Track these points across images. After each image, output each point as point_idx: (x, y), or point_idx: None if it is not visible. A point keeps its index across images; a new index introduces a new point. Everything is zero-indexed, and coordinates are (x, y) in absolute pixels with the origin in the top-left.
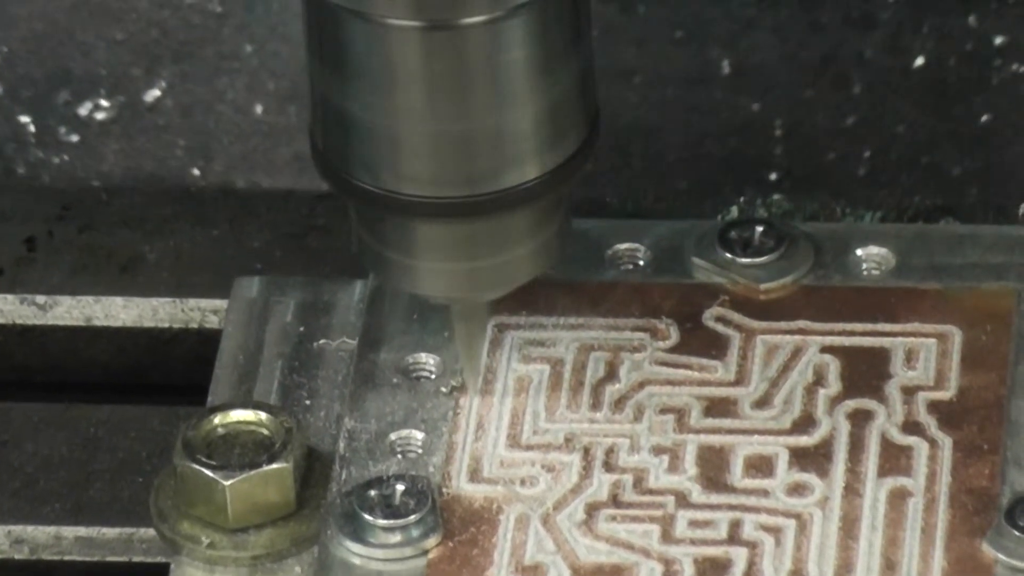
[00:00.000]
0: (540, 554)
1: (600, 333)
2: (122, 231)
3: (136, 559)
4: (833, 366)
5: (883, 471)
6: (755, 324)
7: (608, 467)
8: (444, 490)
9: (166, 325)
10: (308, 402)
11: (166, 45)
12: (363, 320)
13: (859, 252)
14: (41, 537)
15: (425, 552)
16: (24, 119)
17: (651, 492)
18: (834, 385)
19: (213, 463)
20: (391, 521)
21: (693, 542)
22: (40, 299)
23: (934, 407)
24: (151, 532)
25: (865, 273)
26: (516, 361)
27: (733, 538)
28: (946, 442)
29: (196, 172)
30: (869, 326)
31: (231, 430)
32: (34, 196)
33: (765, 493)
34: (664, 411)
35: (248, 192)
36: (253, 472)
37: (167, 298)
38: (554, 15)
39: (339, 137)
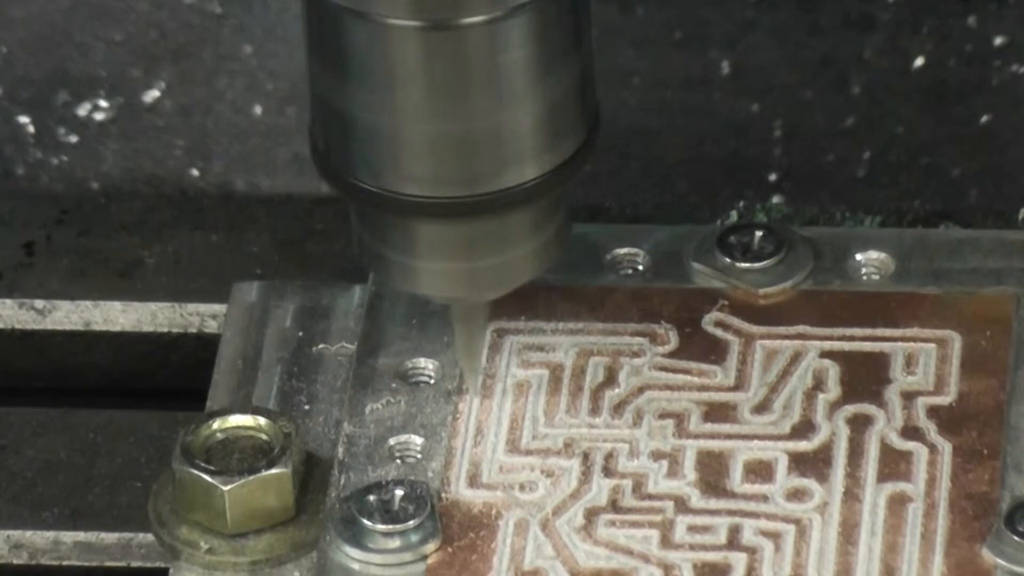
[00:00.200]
0: (539, 559)
1: (599, 338)
2: (121, 236)
3: (135, 564)
4: (832, 371)
5: (883, 476)
6: (754, 329)
7: (607, 472)
8: (443, 495)
9: (165, 330)
10: (307, 407)
11: (165, 46)
12: (362, 325)
13: (858, 257)
14: (40, 542)
15: (424, 557)
16: (23, 120)
17: (650, 497)
18: (833, 390)
19: (212, 468)
20: (390, 526)
21: (692, 547)
22: (39, 304)
23: (934, 412)
24: (150, 537)
25: (864, 278)
26: (515, 366)
27: (732, 543)
28: (946, 447)
29: (195, 173)
30: (868, 331)
31: (230, 435)
32: (33, 201)
33: (764, 498)
34: (663, 416)
35: (247, 197)
36: (252, 477)
37: (166, 303)
38: (554, 15)
39: (339, 137)
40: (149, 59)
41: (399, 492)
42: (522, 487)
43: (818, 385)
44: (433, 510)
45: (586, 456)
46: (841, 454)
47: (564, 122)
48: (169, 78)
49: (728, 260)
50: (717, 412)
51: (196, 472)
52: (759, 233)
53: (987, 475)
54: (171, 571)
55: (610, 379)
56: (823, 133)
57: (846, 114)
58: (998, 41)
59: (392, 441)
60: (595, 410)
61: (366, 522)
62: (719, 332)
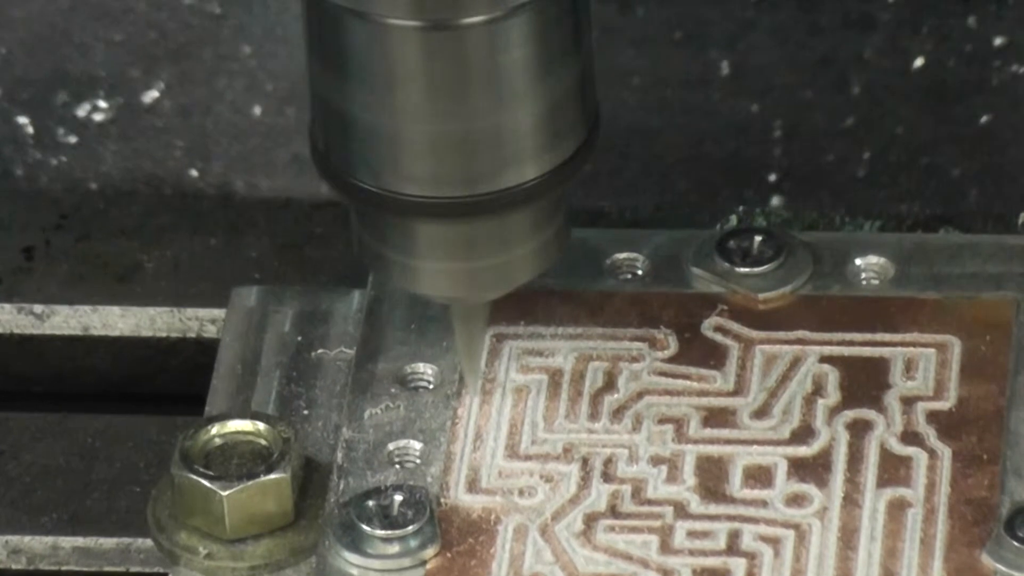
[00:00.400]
0: (538, 565)
1: (599, 343)
2: (120, 240)
3: (134, 569)
4: (832, 376)
5: (882, 481)
6: (754, 334)
7: (607, 477)
8: (442, 500)
9: (164, 335)
10: (306, 412)
11: (164, 46)
12: (361, 330)
13: (858, 262)
14: (39, 547)
15: (423, 563)
16: (22, 120)
17: (650, 502)
18: (833, 395)
19: (211, 473)
20: (389, 532)
21: (692, 553)
22: (38, 308)
23: (933, 417)
24: (149, 542)
25: (864, 283)
26: (514, 371)
27: (732, 548)
28: (945, 452)
29: (194, 173)
30: (868, 336)
31: (229, 440)
32: (32, 205)
33: (764, 503)
34: (663, 421)
35: (246, 200)
36: (251, 482)
37: (165, 307)
38: (554, 15)
39: (339, 137)
40: (148, 59)
41: (398, 497)
42: (521, 492)
43: (818, 390)
44: (432, 515)
45: (585, 461)
46: (841, 459)
47: (564, 122)
48: (168, 78)
49: (727, 265)
50: (716, 417)
51: (195, 477)
52: (758, 238)
53: (987, 480)
54: None
55: (609, 384)
56: (823, 133)
57: (846, 114)
58: (998, 41)
59: (391, 446)
60: (594, 415)
61: (365, 527)
62: (718, 337)
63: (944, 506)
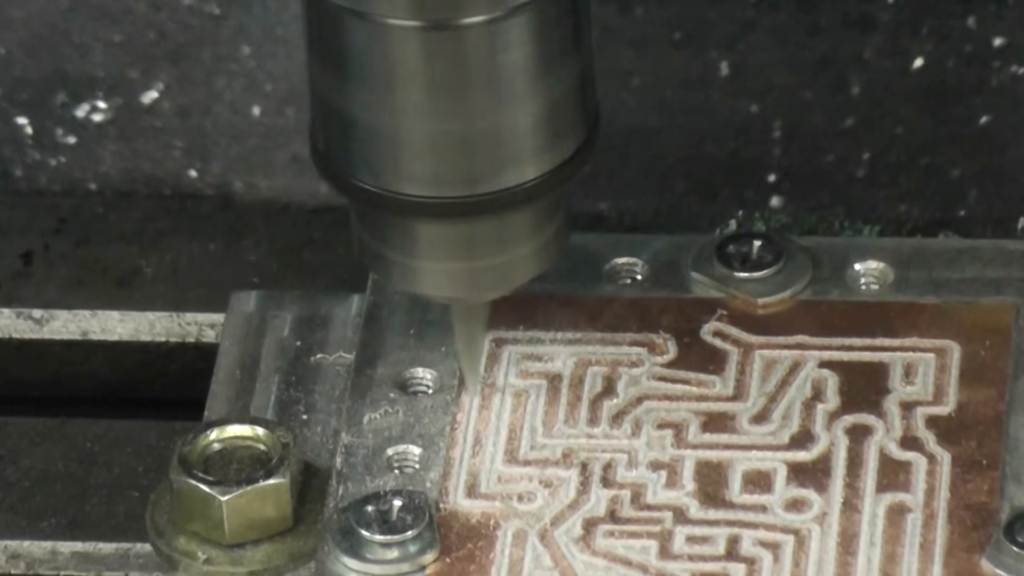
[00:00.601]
0: (537, 570)
1: (598, 348)
2: (119, 245)
3: (133, 574)
4: (831, 381)
5: (881, 487)
6: (753, 339)
7: (606, 482)
8: (441, 506)
9: (163, 339)
10: (305, 417)
11: (164, 47)
12: (360, 335)
13: (857, 267)
14: (37, 552)
15: (422, 568)
16: (21, 121)
17: (649, 508)
18: (832, 400)
19: (210, 478)
20: (388, 537)
21: (691, 558)
22: (36, 313)
23: (933, 422)
24: (148, 547)
25: (863, 288)
26: (514, 376)
27: (731, 554)
28: (945, 457)
29: (193, 174)
30: (867, 341)
31: (228, 445)
32: (30, 210)
33: (763, 509)
34: (662, 426)
35: (245, 206)
36: (250, 488)
37: (164, 312)
38: (554, 15)
39: (339, 137)
40: (148, 60)
41: (397, 502)
42: (520, 497)
43: (817, 395)
44: (431, 520)
45: (584, 466)
46: (840, 464)
47: (564, 122)
48: (168, 79)
49: (727, 270)
50: (716, 422)
51: (194, 482)
52: (758, 243)
53: (986, 485)
54: None
55: (608, 389)
56: (823, 134)
57: (846, 115)
58: (997, 42)
59: (390, 451)
60: (593, 420)
61: (364, 532)
62: (718, 342)
63: (944, 511)
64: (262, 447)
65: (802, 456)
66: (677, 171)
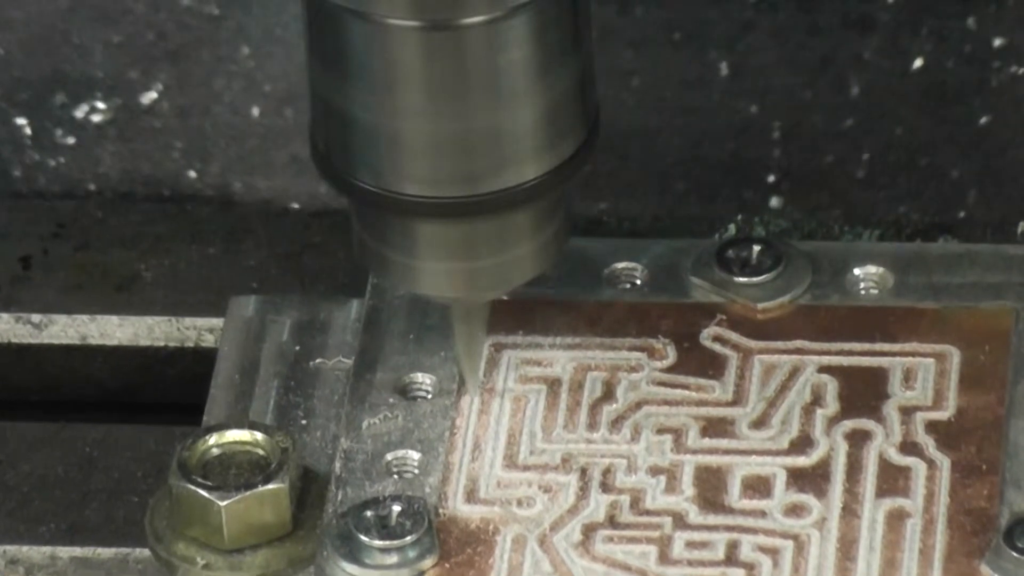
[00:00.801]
0: (537, 575)
1: (597, 353)
2: (117, 249)
3: None
4: (831, 386)
5: (881, 492)
6: (752, 344)
7: (605, 488)
8: (440, 511)
9: (162, 344)
10: (304, 422)
11: (163, 47)
12: (359, 339)
13: (857, 271)
14: (36, 557)
15: (421, 573)
16: (20, 121)
17: (648, 513)
18: (832, 405)
19: (209, 484)
20: (387, 542)
21: (690, 563)
22: (35, 318)
23: (932, 427)
24: (147, 553)
25: (863, 292)
26: (513, 380)
27: (731, 559)
28: (944, 462)
29: (192, 174)
30: (867, 346)
31: (227, 450)
32: (29, 214)
33: (763, 514)
34: (661, 431)
35: (244, 210)
36: (249, 493)
37: (163, 317)
38: (554, 15)
39: (339, 137)
40: (147, 60)
41: (396, 508)
42: (520, 503)
43: (816, 400)
44: (430, 526)
45: (584, 471)
46: (839, 469)
47: (564, 122)
48: (167, 79)
49: (726, 274)
50: (715, 427)
51: (193, 487)
52: (757, 247)
53: (986, 490)
54: None
55: (608, 394)
56: (822, 134)
57: (845, 115)
58: (997, 42)
59: (389, 456)
60: (593, 425)
61: (363, 538)
62: (717, 347)
63: (943, 516)
64: (261, 452)
65: (801, 461)
66: (676, 171)
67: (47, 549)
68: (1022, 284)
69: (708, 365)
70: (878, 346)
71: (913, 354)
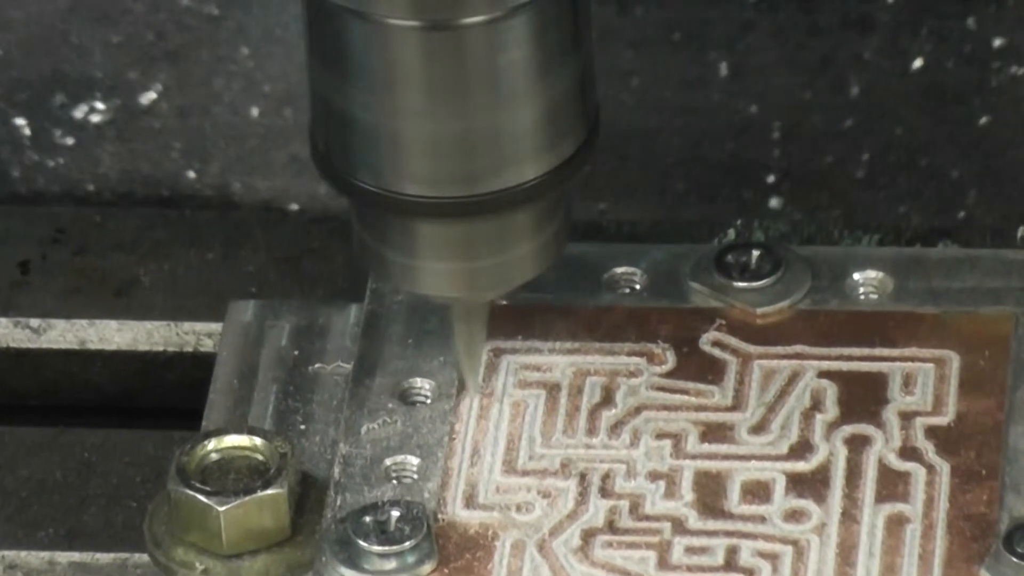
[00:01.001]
0: None
1: (596, 358)
2: (116, 254)
3: None
4: (830, 391)
5: (880, 497)
6: (752, 349)
7: (604, 493)
8: (439, 516)
9: (160, 349)
10: (303, 427)
11: (162, 48)
12: (358, 344)
13: (856, 276)
14: (35, 562)
15: None
16: (19, 122)
17: (647, 518)
18: (831, 410)
19: (207, 489)
20: (386, 547)
21: (690, 568)
22: (34, 322)
23: (932, 432)
24: (145, 558)
25: (862, 297)
26: (512, 386)
27: (730, 564)
28: (944, 468)
29: (192, 175)
30: (866, 351)
31: (225, 455)
32: (28, 219)
33: (762, 519)
34: (661, 436)
35: (243, 214)
36: (248, 498)
37: (161, 321)
38: (554, 15)
39: (339, 137)
40: (146, 61)
41: (395, 513)
42: (519, 508)
43: (816, 405)
44: (429, 531)
45: (583, 477)
46: (839, 475)
47: (564, 122)
48: (166, 80)
49: (726, 279)
50: (715, 432)
51: (191, 493)
52: (756, 252)
53: (985, 496)
54: None
55: (607, 399)
56: (822, 134)
57: (845, 115)
58: (997, 43)
59: (388, 461)
60: (592, 430)
61: (362, 543)
62: (716, 352)
63: (943, 522)
64: (260, 457)
65: (801, 466)
66: (676, 172)
67: (45, 554)
68: (1022, 289)
69: (707, 370)
70: (878, 351)
71: (913, 359)
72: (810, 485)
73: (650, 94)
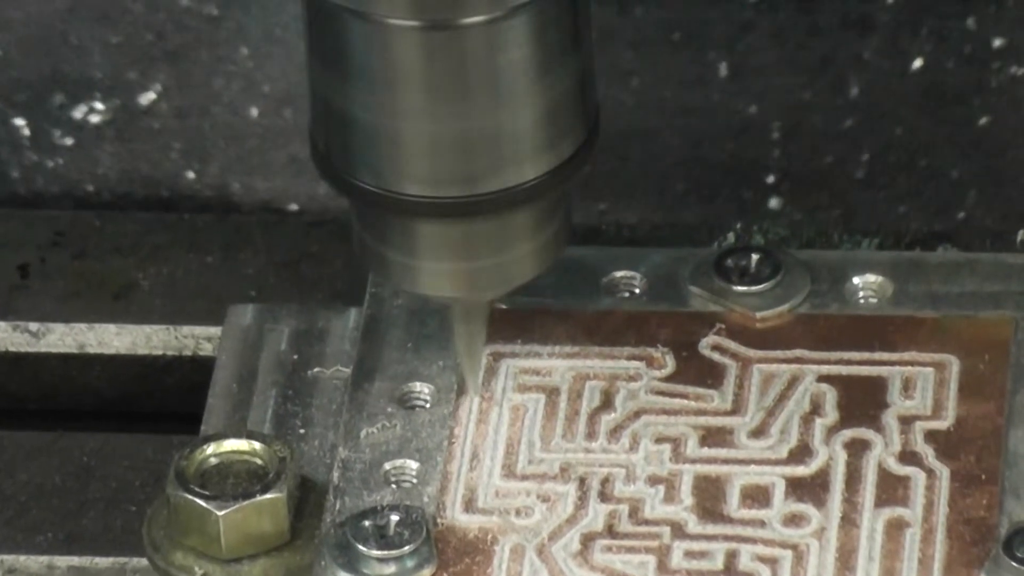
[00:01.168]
0: None
1: (596, 362)
2: (115, 258)
3: None
4: (830, 395)
5: (880, 501)
6: (751, 353)
7: (604, 497)
8: (439, 520)
9: (159, 352)
10: (302, 431)
11: (161, 48)
12: (357, 348)
13: (856, 280)
14: (34, 567)
15: None
16: (19, 122)
17: (647, 522)
18: (831, 414)
19: (206, 493)
20: (385, 552)
21: (689, 573)
22: (33, 326)
23: (931, 437)
24: (144, 562)
25: (862, 301)
26: (511, 390)
27: (729, 569)
28: (944, 472)
29: (191, 175)
30: (866, 355)
31: (224, 459)
32: (27, 222)
33: (761, 524)
34: (660, 440)
35: (242, 220)
36: (247, 502)
37: (160, 325)
38: (554, 15)
39: (339, 137)
40: (145, 61)
41: (394, 517)
42: (518, 512)
43: (815, 409)
44: (429, 535)
45: (582, 481)
46: (838, 479)
47: (564, 122)
48: (166, 80)
49: (725, 283)
50: (714, 437)
51: (190, 497)
52: (756, 256)
53: (985, 500)
54: None
55: (606, 403)
56: (822, 134)
57: (845, 116)
58: (997, 43)
59: (387, 466)
60: (591, 434)
61: (361, 547)
62: (716, 356)
63: (942, 526)
64: (259, 461)
65: (800, 471)
66: (676, 172)
67: (44, 559)
68: (1021, 293)
69: (707, 374)
70: (877, 355)
71: (912, 363)
72: (810, 489)
73: (650, 94)
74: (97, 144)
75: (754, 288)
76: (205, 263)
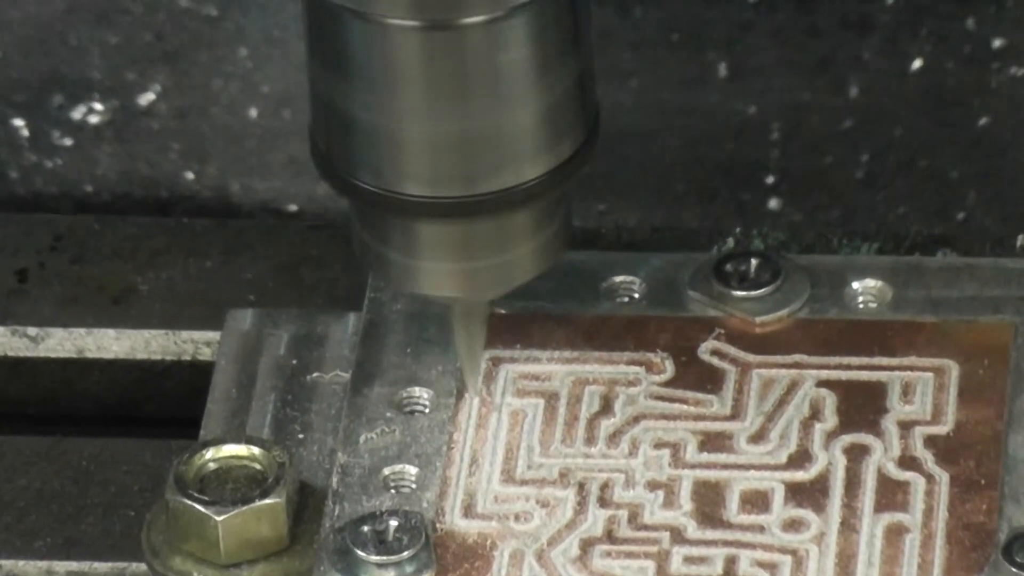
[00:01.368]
0: None
1: (595, 367)
2: (114, 262)
3: None
4: (829, 400)
5: (880, 506)
6: (751, 358)
7: (603, 502)
8: (438, 526)
9: (158, 357)
10: (301, 436)
11: (160, 48)
12: (356, 353)
13: (855, 285)
14: (33, 572)
15: None
16: (17, 123)
17: (646, 528)
18: (830, 419)
19: (205, 498)
20: (384, 557)
21: None
22: (32, 331)
23: (931, 442)
24: (143, 567)
25: (861, 306)
26: (510, 395)
27: (729, 574)
28: (943, 477)
29: (190, 176)
30: (865, 360)
31: (223, 465)
32: (25, 226)
33: (761, 529)
34: (659, 446)
35: (241, 224)
36: (245, 507)
37: (159, 330)
38: (553, 15)
39: (339, 137)
40: (144, 62)
41: (393, 523)
42: (517, 517)
43: (815, 414)
44: (428, 541)
45: (581, 486)
46: (838, 484)
47: (564, 122)
48: (165, 81)
49: (724, 288)
50: (713, 442)
51: (189, 502)
52: (755, 261)
53: (985, 505)
54: None
55: (606, 408)
56: (821, 135)
57: (844, 116)
58: (997, 43)
59: (386, 471)
60: (591, 440)
61: (360, 553)
62: (715, 361)
63: (942, 531)
64: (258, 466)
65: (800, 476)
66: (675, 172)
67: (43, 564)
68: (1021, 298)
69: (706, 379)
70: (877, 360)
71: (912, 368)
72: (809, 494)
73: (649, 95)
74: (96, 145)
75: (753, 293)
76: (204, 268)
